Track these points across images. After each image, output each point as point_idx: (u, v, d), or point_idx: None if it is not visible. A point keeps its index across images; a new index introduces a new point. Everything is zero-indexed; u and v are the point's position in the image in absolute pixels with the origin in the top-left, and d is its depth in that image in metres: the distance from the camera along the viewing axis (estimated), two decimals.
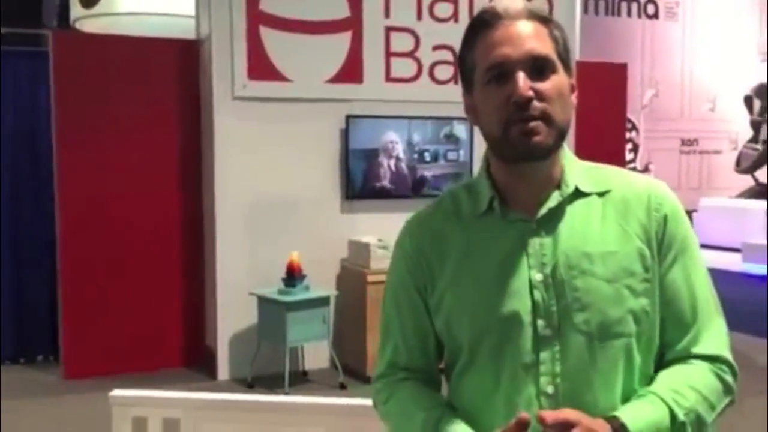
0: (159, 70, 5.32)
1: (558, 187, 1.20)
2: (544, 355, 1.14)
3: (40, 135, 5.46)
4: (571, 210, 1.19)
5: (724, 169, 13.26)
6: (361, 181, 5.38)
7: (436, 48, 5.53)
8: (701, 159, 13.58)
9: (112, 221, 5.19)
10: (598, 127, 6.56)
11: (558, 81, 1.15)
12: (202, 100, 5.38)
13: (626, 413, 1.09)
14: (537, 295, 1.15)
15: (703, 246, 8.57)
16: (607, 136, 6.79)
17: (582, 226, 1.18)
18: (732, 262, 9.73)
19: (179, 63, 5.38)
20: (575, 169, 1.23)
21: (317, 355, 5.25)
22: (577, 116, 5.83)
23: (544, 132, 1.13)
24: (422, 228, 1.27)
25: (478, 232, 1.21)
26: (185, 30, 5.64)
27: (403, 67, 5.49)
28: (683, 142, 13.48)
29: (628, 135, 12.19)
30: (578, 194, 1.20)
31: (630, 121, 12.29)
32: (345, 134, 5.32)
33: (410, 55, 5.51)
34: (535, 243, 1.17)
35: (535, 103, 1.12)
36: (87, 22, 6.63)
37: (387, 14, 5.43)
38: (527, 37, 1.14)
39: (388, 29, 5.44)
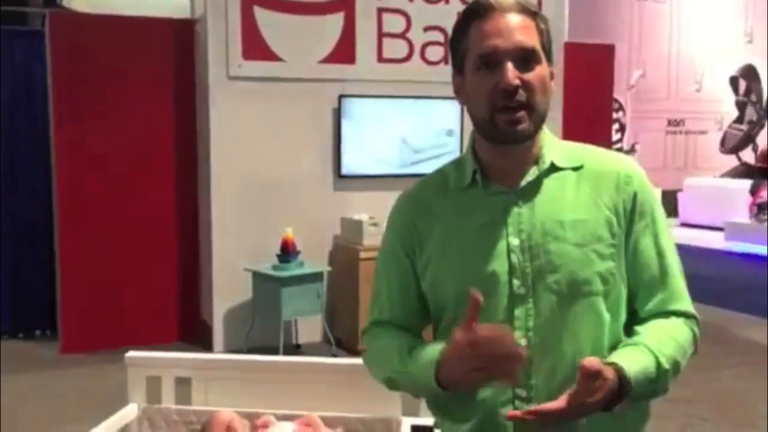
0: (155, 50, 5.40)
1: (536, 162, 1.33)
2: (518, 312, 1.27)
3: (36, 113, 5.52)
4: (547, 183, 1.32)
5: (710, 149, 13.43)
6: (353, 160, 5.49)
7: (427, 29, 5.62)
8: (687, 139, 13.73)
9: (110, 199, 5.29)
10: (585, 107, 6.69)
11: (541, 71, 1.28)
12: (198, 80, 5.46)
13: (622, 360, 1.22)
14: (514, 258, 1.28)
15: (687, 225, 8.67)
16: (594, 117, 6.91)
17: (557, 197, 1.31)
18: (715, 241, 9.93)
19: (175, 42, 5.46)
20: (553, 147, 1.36)
21: (310, 329, 5.39)
22: (565, 97, 5.91)
23: (527, 121, 1.27)
24: (412, 201, 1.41)
25: (463, 202, 1.35)
26: (176, 9, 5.70)
27: (395, 48, 5.58)
28: (670, 123, 13.61)
29: (614, 115, 12.30)
30: (554, 169, 1.33)
31: (617, 101, 12.40)
32: (338, 114, 5.42)
33: (402, 36, 5.60)
34: (513, 212, 1.31)
35: (521, 92, 1.25)
36: (76, 0, 6.65)
37: None
38: (516, 29, 1.26)
39: (380, 10, 5.53)
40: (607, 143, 7.61)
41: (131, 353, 2.03)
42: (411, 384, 1.32)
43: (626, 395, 1.19)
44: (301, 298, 4.96)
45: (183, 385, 1.97)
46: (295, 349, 5.32)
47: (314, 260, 5.24)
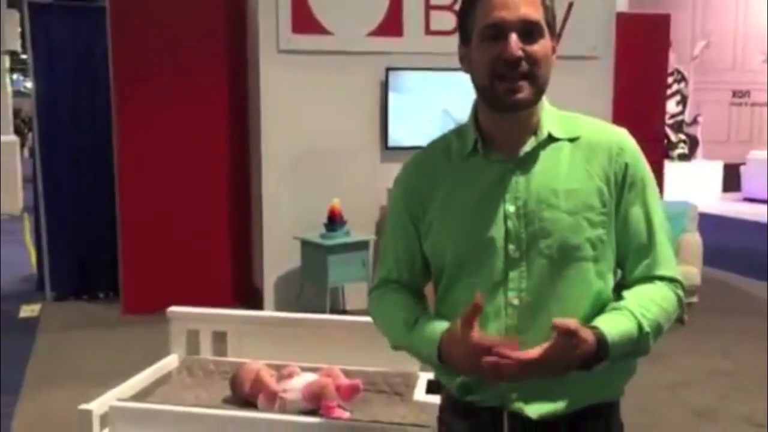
0: (208, 23, 5.58)
1: (534, 133, 1.40)
2: (512, 274, 1.36)
3: (97, 84, 5.79)
4: (544, 153, 1.40)
5: None
6: (400, 132, 5.58)
7: None
8: (752, 111, 13.29)
9: (167, 169, 5.52)
10: (638, 78, 6.59)
11: (544, 44, 1.35)
12: (249, 53, 5.63)
13: (603, 324, 1.31)
14: (509, 224, 1.37)
15: (750, 200, 8.44)
16: (647, 88, 6.80)
17: (552, 167, 1.39)
18: None
19: (227, 16, 5.63)
20: (551, 118, 1.43)
21: (358, 296, 5.54)
22: (617, 69, 5.83)
23: (526, 90, 1.34)
24: (416, 167, 1.50)
25: (464, 170, 1.43)
26: None
27: (442, 20, 5.60)
28: (734, 94, 13.20)
29: (676, 86, 11.99)
30: (551, 140, 1.41)
31: (679, 72, 12.08)
32: (385, 86, 5.51)
33: (449, 8, 5.61)
34: (511, 181, 1.39)
35: (523, 63, 1.32)
36: None
37: None
38: (522, 2, 1.33)
39: None
40: (660, 115, 7.48)
41: (173, 308, 2.19)
42: (416, 354, 1.44)
43: (605, 356, 1.28)
44: (346, 266, 5.12)
45: (219, 338, 2.13)
46: (342, 314, 5.48)
47: (361, 230, 5.37)
